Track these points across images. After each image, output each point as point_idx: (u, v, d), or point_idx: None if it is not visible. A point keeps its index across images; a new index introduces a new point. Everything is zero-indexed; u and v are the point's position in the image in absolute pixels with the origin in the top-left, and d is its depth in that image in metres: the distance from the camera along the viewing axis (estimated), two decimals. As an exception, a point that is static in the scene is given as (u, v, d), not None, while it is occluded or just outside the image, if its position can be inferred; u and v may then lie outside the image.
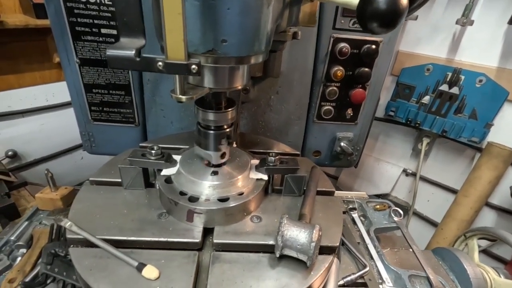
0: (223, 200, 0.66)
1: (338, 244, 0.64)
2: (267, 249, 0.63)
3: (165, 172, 0.72)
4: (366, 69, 1.17)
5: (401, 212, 1.06)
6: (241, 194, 0.68)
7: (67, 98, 1.89)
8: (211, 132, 0.65)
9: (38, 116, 1.81)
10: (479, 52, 1.63)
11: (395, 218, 1.05)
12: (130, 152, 0.75)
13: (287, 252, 0.57)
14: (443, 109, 1.72)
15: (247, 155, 0.79)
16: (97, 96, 1.15)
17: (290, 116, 1.29)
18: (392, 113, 1.91)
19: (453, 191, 1.99)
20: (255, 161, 0.78)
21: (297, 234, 0.56)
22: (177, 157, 0.76)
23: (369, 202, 1.15)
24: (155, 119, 1.22)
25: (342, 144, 1.35)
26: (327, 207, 0.75)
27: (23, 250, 0.78)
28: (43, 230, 0.84)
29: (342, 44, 1.13)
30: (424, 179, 2.08)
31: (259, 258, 0.61)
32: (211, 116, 0.63)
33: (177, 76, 0.47)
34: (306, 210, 0.67)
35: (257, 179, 0.73)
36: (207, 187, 0.67)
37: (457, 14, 1.55)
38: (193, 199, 0.66)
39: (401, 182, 2.21)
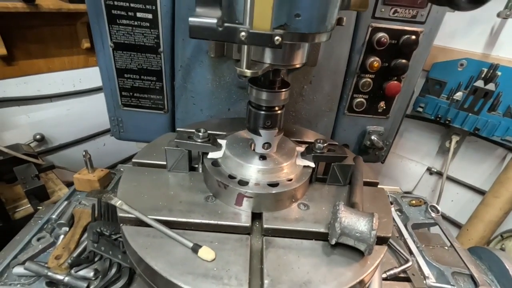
0: (273, 185, 0.64)
1: (390, 234, 0.62)
2: (318, 236, 0.61)
3: (212, 155, 0.71)
4: (404, 60, 1.13)
5: (439, 208, 1.03)
6: (290, 180, 0.67)
7: (93, 84, 1.91)
8: (262, 112, 0.64)
9: (65, 101, 1.82)
10: (518, 47, 1.56)
11: (433, 214, 1.02)
12: (170, 135, 0.74)
13: (344, 240, 0.55)
14: (476, 106, 1.66)
15: (292, 142, 0.78)
16: (128, 81, 1.15)
17: (321, 107, 1.26)
18: (420, 109, 1.85)
19: (479, 191, 1.93)
20: (300, 148, 0.76)
21: (356, 222, 0.54)
22: (221, 141, 0.75)
23: (404, 197, 1.12)
24: (184, 106, 1.21)
25: (372, 137, 1.31)
26: (374, 198, 0.73)
27: (66, 229, 0.79)
28: (83, 210, 0.85)
29: (381, 34, 1.09)
30: (449, 179, 2.02)
31: (312, 245, 0.59)
32: (264, 95, 0.61)
33: (245, 49, 0.45)
34: (357, 199, 0.65)
35: (304, 166, 0.71)
36: (256, 171, 0.66)
37: (499, 7, 1.48)
38: (243, 183, 0.64)
39: (424, 180, 2.15)
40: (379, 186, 0.83)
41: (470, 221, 1.82)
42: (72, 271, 0.65)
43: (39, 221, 0.83)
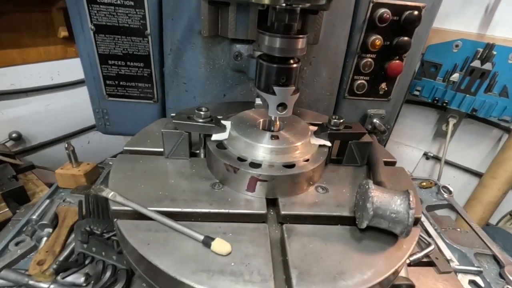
0: (288, 166, 0.57)
1: (421, 215, 0.56)
2: (343, 221, 0.54)
3: (215, 137, 0.62)
4: (406, 38, 1.07)
5: (451, 189, 0.99)
6: (307, 161, 0.59)
7: (73, 77, 1.77)
8: (276, 66, 0.54)
9: (43, 96, 1.68)
10: (513, 26, 1.54)
11: (445, 195, 0.98)
12: (164, 120, 0.65)
13: (376, 222, 0.49)
14: (473, 87, 1.64)
15: (303, 121, 0.70)
16: (113, 69, 1.05)
17: (322, 90, 1.19)
18: (417, 93, 1.83)
19: (476, 174, 1.93)
20: (313, 128, 0.69)
21: (389, 201, 0.47)
22: (225, 122, 0.66)
23: (413, 179, 1.07)
24: (176, 94, 1.11)
25: (374, 121, 1.26)
26: (395, 177, 0.67)
27: (49, 230, 0.69)
28: (68, 208, 0.75)
29: (383, 10, 1.03)
30: (446, 162, 2.01)
31: (338, 231, 0.52)
32: (278, 42, 0.52)
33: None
34: (383, 177, 0.58)
35: (320, 145, 0.64)
36: (268, 152, 0.58)
37: (494, -16, 1.46)
38: (255, 165, 0.56)
39: (421, 165, 2.14)
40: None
41: (469, 203, 1.82)
42: (59, 278, 0.56)
43: (17, 224, 0.73)
